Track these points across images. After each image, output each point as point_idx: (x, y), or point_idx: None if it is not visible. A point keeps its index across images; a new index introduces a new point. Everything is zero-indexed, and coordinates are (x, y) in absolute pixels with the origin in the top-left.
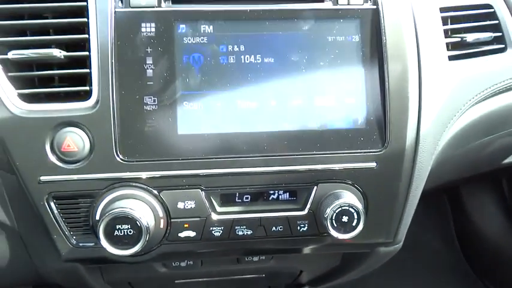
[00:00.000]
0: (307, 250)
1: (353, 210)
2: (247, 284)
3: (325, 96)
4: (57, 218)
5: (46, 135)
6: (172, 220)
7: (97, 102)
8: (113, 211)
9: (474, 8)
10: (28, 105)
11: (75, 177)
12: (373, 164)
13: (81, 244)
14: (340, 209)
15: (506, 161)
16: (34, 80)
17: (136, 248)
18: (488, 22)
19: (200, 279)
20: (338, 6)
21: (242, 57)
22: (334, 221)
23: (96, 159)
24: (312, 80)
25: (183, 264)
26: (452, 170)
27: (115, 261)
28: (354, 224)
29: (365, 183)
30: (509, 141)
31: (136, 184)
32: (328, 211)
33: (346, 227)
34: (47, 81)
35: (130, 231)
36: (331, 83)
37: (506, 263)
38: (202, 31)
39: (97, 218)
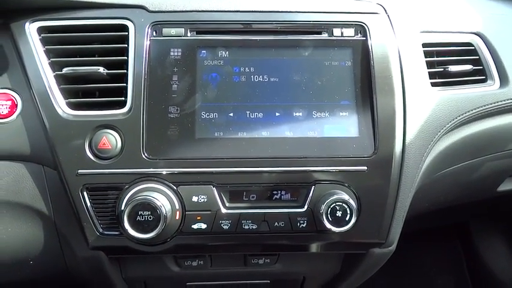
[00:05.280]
0: (306, 248)
1: (346, 206)
2: None
3: (322, 109)
4: (89, 207)
5: (86, 135)
6: (186, 212)
7: (130, 109)
8: (137, 198)
9: (456, 45)
10: (74, 111)
11: (106, 171)
12: (364, 168)
13: (106, 233)
14: (334, 204)
15: (501, 188)
16: (78, 91)
17: (153, 233)
18: (469, 57)
19: (209, 283)
20: (333, 38)
21: (252, 76)
22: (329, 215)
23: (125, 156)
24: (310, 96)
25: (194, 263)
26: (446, 190)
27: (135, 252)
28: (347, 218)
29: (357, 185)
30: (497, 165)
31: (158, 179)
32: (323, 207)
33: (340, 221)
34: (89, 93)
35: (150, 217)
36: (327, 99)
37: None
38: (219, 55)
39: (122, 208)
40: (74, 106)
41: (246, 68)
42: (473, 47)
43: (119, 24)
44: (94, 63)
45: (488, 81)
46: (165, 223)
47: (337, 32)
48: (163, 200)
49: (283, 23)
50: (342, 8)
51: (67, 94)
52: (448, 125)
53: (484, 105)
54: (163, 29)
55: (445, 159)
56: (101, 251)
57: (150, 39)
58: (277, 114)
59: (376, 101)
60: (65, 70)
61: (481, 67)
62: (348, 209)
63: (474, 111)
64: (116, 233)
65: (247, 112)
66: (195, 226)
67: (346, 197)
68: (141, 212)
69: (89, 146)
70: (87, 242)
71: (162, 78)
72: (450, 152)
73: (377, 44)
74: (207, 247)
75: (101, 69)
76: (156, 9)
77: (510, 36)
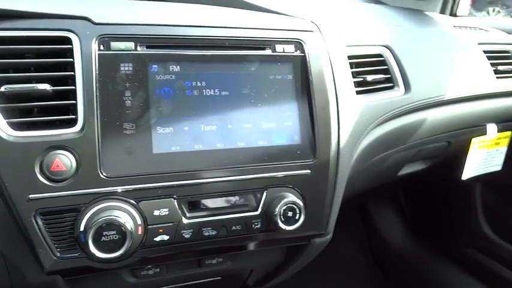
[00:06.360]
0: (260, 245)
1: (295, 207)
2: None
3: (269, 120)
4: (43, 232)
5: (36, 158)
6: (148, 227)
7: (83, 128)
8: (101, 219)
9: (370, 57)
10: (18, 132)
11: (62, 193)
12: (308, 171)
13: (64, 256)
14: (286, 206)
15: (401, 173)
16: (16, 110)
17: (121, 251)
18: (380, 67)
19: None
20: (276, 53)
21: (204, 90)
22: (281, 216)
23: (81, 176)
24: (259, 108)
25: (151, 272)
26: (364, 180)
27: (95, 270)
28: (296, 217)
29: (303, 187)
30: (400, 156)
31: (118, 197)
32: (277, 209)
33: (291, 220)
34: (28, 112)
35: (116, 237)
36: (273, 110)
37: (407, 265)
38: (171, 70)
39: (81, 229)
40: (17, 126)
41: (198, 82)
42: (383, 58)
43: (61, 36)
44: (37, 79)
45: (395, 88)
46: (132, 239)
47: (279, 48)
48: (126, 217)
49: (231, 39)
50: (282, 25)
51: (7, 113)
52: (368, 128)
53: (393, 109)
54: (112, 42)
55: (365, 155)
56: (58, 274)
57: (98, 54)
58: (229, 126)
59: (315, 111)
60: (3, 88)
61: (390, 76)
62: (297, 209)
63: (386, 114)
64: (75, 254)
65: (202, 125)
66: (157, 238)
67: (294, 198)
68: (106, 233)
69: (39, 169)
70: (42, 268)
71: (115, 94)
72: (368, 149)
73: (313, 59)
74: (169, 256)
75: (47, 86)
76: (102, 22)
77: (410, 46)
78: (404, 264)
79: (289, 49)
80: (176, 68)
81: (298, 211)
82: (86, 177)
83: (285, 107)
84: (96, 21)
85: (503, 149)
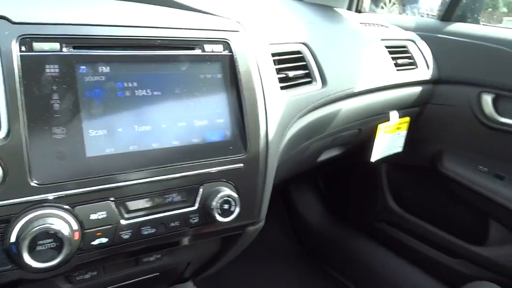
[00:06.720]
0: (198, 237)
1: (231, 199)
2: (144, 285)
3: (202, 118)
4: None
5: None
6: (85, 231)
7: (7, 134)
8: (35, 228)
9: (290, 54)
10: None
11: None
12: (240, 165)
13: None
14: (222, 200)
15: (319, 159)
16: None
17: (59, 259)
18: (300, 63)
19: None
20: (205, 53)
21: (136, 91)
22: (218, 209)
23: (9, 186)
24: (191, 106)
25: (87, 276)
26: (288, 168)
27: (28, 281)
28: (232, 209)
29: (236, 180)
30: (319, 144)
31: (51, 204)
32: (214, 203)
33: (227, 212)
34: None
35: (53, 244)
36: (205, 108)
37: (326, 242)
38: (100, 71)
39: (12, 240)
40: None
41: (129, 83)
42: (302, 55)
43: None
44: None
45: (314, 83)
46: (70, 245)
47: (208, 48)
48: (61, 223)
49: (161, 39)
50: (210, 25)
51: None
52: (292, 121)
53: (312, 102)
54: (34, 43)
55: (290, 146)
56: None
57: (19, 55)
58: (163, 126)
59: (244, 107)
60: None
61: (308, 71)
62: (232, 201)
63: (307, 107)
64: (8, 267)
65: (136, 126)
66: (95, 242)
67: (229, 191)
68: (41, 241)
69: None
70: None
71: (41, 98)
72: (293, 140)
73: (240, 58)
74: (107, 258)
75: None
76: (22, 21)
77: (324, 43)
78: (324, 242)
79: (218, 49)
80: (106, 69)
81: (233, 203)
82: (15, 186)
83: (216, 104)
84: (15, 20)
85: (403, 133)
